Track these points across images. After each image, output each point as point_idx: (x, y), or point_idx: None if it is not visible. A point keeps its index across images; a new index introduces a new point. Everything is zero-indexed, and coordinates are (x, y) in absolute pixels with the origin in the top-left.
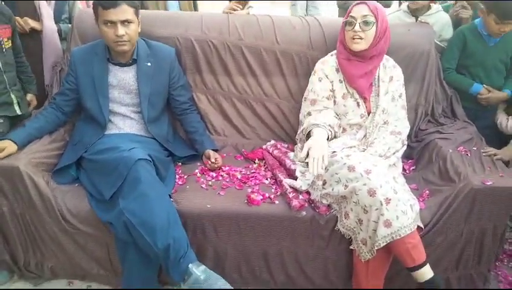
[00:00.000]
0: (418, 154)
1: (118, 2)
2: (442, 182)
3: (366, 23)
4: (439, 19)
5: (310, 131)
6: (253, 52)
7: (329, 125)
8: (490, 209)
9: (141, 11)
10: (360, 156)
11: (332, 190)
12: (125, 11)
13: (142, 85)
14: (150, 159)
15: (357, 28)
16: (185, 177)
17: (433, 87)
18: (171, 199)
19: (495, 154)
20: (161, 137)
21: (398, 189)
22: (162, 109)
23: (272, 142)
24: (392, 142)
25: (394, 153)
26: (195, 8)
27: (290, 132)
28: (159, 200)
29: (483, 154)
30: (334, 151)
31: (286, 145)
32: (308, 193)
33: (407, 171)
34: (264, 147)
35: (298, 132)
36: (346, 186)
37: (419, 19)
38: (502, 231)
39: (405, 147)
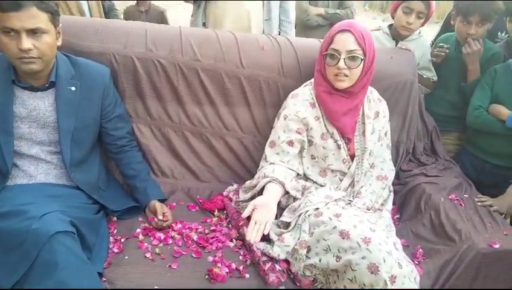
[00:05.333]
0: (401, 200)
1: (22, 3)
2: (437, 239)
3: (353, 58)
4: (419, 45)
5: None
6: (212, 77)
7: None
8: (496, 274)
9: (64, 18)
10: (353, 216)
11: (320, 261)
12: (34, 17)
13: (62, 117)
14: (73, 230)
15: (341, 64)
16: (122, 240)
17: (415, 122)
18: (103, 279)
19: (491, 205)
20: (88, 186)
21: (401, 260)
22: (90, 147)
23: (234, 186)
24: (379, 190)
25: (382, 204)
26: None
27: (255, 173)
28: None
29: (478, 203)
30: (318, 208)
31: None
32: (287, 261)
33: (392, 220)
34: (224, 193)
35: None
36: (338, 257)
37: (399, 43)
38: None
39: (392, 195)
